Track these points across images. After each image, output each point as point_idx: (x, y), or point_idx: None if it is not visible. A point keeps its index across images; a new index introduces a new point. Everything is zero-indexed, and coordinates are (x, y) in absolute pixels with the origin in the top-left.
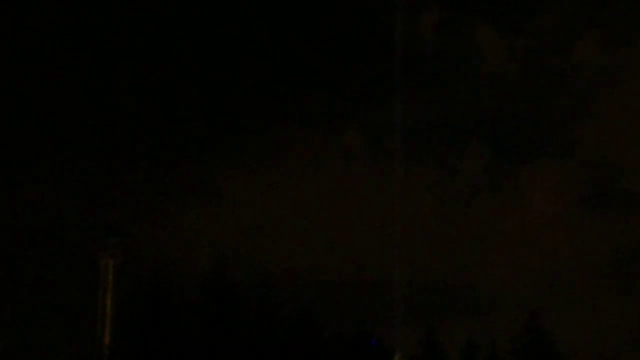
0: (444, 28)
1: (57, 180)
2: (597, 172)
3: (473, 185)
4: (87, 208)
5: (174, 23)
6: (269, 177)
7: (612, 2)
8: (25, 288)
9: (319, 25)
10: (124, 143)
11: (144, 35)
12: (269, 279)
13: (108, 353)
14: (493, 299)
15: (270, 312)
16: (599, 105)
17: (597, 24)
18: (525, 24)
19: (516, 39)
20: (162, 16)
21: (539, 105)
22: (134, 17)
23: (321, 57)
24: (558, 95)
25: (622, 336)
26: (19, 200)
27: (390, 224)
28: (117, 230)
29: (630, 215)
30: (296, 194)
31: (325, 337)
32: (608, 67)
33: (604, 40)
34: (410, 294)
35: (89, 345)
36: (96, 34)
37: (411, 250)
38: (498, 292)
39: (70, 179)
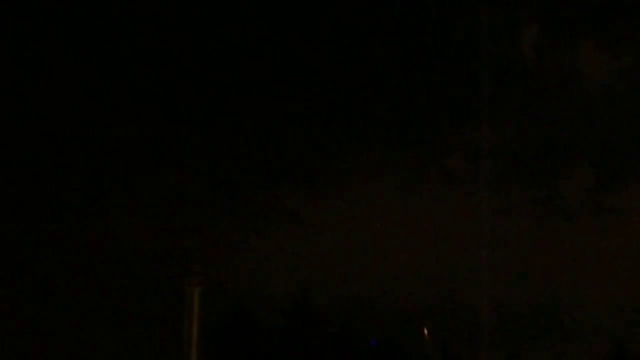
0: (544, 45)
1: (138, 209)
2: None
3: (573, 208)
4: (168, 236)
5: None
6: (354, 201)
7: None
8: (106, 315)
9: (412, 44)
10: (201, 169)
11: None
12: (353, 304)
13: None
14: (583, 323)
15: (354, 338)
16: None
17: None
18: (631, 39)
19: (621, 56)
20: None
21: None
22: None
23: (414, 75)
24: None
25: None
26: (100, 229)
27: (480, 248)
28: (200, 257)
29: None
30: (387, 218)
31: None
32: None
33: None
34: (498, 320)
35: None
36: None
37: (502, 274)
38: (590, 316)
39: (150, 207)
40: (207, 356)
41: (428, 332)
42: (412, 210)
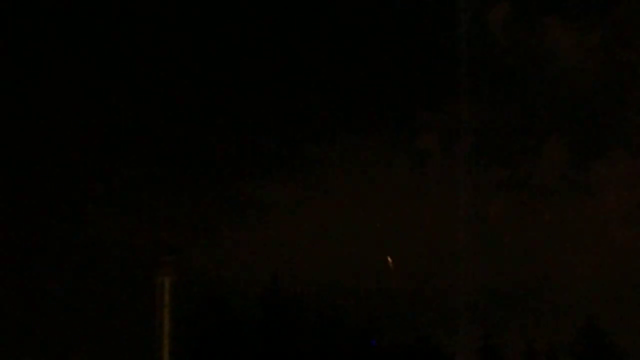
0: (513, 23)
1: (110, 200)
2: None
3: (547, 186)
4: (139, 227)
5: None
6: (328, 188)
7: None
8: (80, 307)
9: (380, 25)
10: (172, 161)
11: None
12: (328, 290)
13: None
14: (557, 302)
15: (329, 324)
16: None
17: None
18: (600, 17)
19: (590, 33)
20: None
21: (615, 101)
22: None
23: (381, 57)
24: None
25: None
26: (74, 219)
27: (457, 229)
28: (172, 248)
29: None
30: (360, 203)
31: (385, 347)
32: None
33: None
34: (474, 301)
35: None
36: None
37: (477, 256)
38: (563, 295)
39: (122, 198)
40: (180, 345)
41: (392, 261)
42: (386, 192)
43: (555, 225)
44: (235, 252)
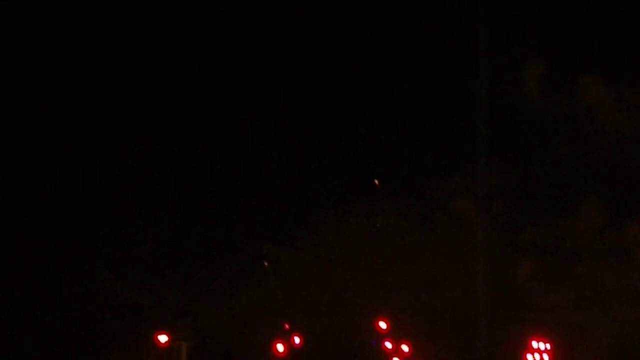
0: (550, 81)
1: (124, 263)
2: None
3: (582, 248)
4: (150, 290)
5: None
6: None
7: None
8: None
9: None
10: (184, 223)
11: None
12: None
13: None
14: None
15: None
16: None
17: None
18: (638, 76)
19: (629, 92)
20: None
21: None
22: None
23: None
24: None
25: None
26: (85, 283)
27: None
28: (185, 311)
29: None
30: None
31: None
32: None
33: None
34: None
35: None
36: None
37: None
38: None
39: (132, 262)
40: None
41: (379, 182)
42: (416, 255)
43: (586, 288)
44: (247, 312)
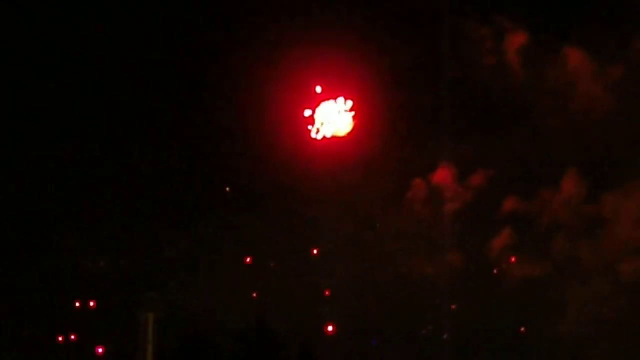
0: (530, 53)
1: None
2: None
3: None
4: (123, 261)
5: None
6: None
7: None
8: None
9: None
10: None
11: None
12: (310, 327)
13: None
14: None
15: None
16: None
17: None
18: (622, 49)
19: (611, 65)
20: None
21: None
22: None
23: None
24: None
25: None
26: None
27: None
28: (155, 283)
29: None
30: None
31: None
32: None
33: None
34: (460, 341)
35: None
36: None
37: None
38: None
39: (106, 232)
40: None
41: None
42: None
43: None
44: (218, 288)
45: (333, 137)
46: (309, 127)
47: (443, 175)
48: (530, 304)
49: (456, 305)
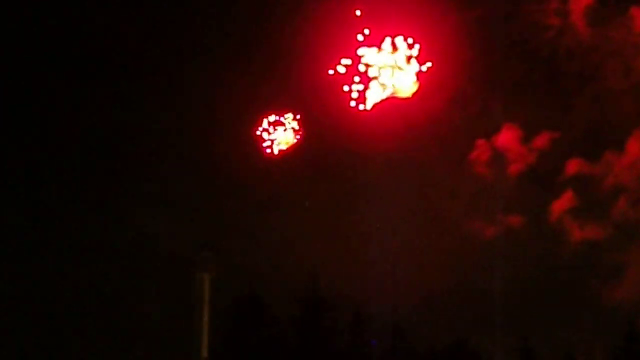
0: (596, 14)
1: (147, 196)
2: None
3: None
4: (177, 222)
5: None
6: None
7: None
8: (120, 304)
9: None
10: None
11: None
12: (364, 289)
13: None
14: (599, 305)
15: (364, 323)
16: None
17: None
18: None
19: None
20: None
21: None
22: None
23: None
24: None
25: None
26: (110, 216)
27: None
28: (210, 244)
29: None
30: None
31: (420, 349)
32: None
33: None
34: (509, 303)
35: (187, 358)
36: None
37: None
38: (605, 298)
39: (158, 194)
40: (218, 342)
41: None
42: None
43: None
44: (273, 249)
45: (395, 97)
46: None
47: (507, 136)
48: (590, 267)
49: (515, 267)
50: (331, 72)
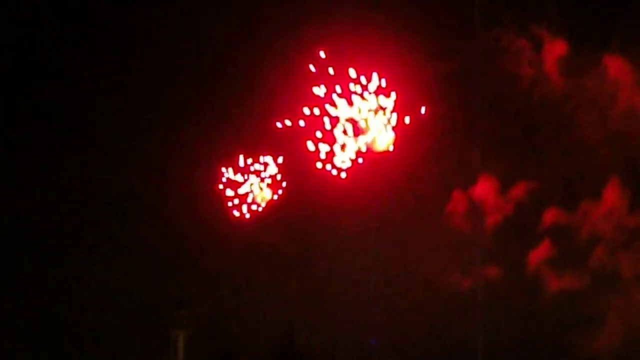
0: (570, 64)
1: (123, 255)
2: None
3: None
4: (153, 281)
5: None
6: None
7: None
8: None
9: None
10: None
11: None
12: (339, 343)
13: None
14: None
15: None
16: None
17: None
18: None
19: None
20: None
21: None
22: None
23: None
24: None
25: None
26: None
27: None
28: (186, 302)
29: None
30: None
31: None
32: None
33: None
34: (487, 356)
35: None
36: None
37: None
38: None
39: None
40: None
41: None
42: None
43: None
44: (247, 303)
45: (372, 152)
46: None
47: (484, 188)
48: (569, 318)
49: (493, 319)
50: (287, 123)
